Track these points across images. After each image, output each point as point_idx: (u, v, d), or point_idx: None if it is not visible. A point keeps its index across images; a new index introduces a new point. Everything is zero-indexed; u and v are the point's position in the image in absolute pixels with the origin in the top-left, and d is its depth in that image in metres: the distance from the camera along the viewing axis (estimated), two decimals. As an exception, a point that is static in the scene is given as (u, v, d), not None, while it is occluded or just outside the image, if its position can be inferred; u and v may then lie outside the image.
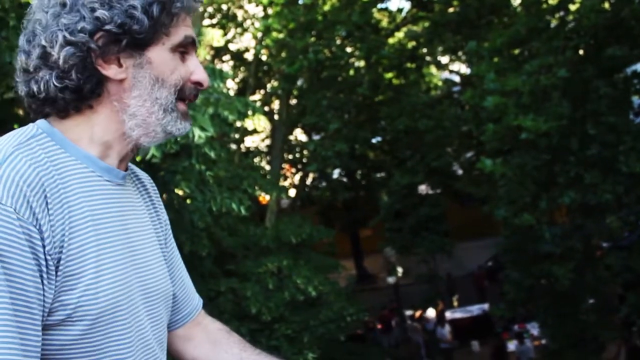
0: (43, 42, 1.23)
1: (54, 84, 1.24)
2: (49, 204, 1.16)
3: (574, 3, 12.18)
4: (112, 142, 1.31)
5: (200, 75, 1.35)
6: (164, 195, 8.43)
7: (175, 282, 1.55)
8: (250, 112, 8.88)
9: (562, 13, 12.43)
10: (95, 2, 1.22)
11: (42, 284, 1.12)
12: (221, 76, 7.74)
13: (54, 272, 1.15)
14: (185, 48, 1.32)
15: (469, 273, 24.21)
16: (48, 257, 1.13)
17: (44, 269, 1.13)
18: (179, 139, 6.43)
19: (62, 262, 1.16)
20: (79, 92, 1.26)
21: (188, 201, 8.74)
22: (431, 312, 20.33)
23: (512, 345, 17.59)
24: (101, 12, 1.22)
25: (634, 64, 11.82)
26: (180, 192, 8.45)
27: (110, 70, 1.26)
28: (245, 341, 1.62)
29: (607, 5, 11.56)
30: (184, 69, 1.32)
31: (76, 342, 1.18)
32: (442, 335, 18.12)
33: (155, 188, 1.56)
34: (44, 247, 1.13)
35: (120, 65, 1.27)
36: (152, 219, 1.48)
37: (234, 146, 18.20)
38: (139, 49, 1.26)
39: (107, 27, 1.22)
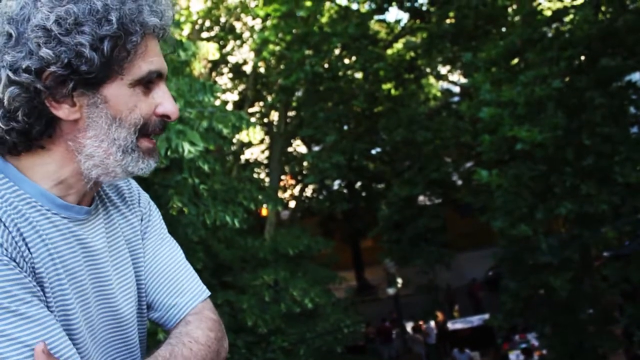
0: None
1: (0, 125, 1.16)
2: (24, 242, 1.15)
3: (568, 14, 12.23)
4: (69, 181, 1.23)
5: (168, 108, 1.24)
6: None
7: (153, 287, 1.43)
8: (244, 126, 8.89)
9: (556, 24, 12.48)
10: (41, 37, 1.12)
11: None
12: (212, 90, 7.76)
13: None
14: (150, 81, 1.22)
15: (468, 283, 24.20)
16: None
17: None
18: (169, 154, 6.46)
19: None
20: (26, 134, 1.18)
21: (185, 211, 8.74)
22: (432, 323, 20.30)
23: (512, 356, 17.52)
24: (46, 51, 1.12)
25: (628, 74, 11.83)
26: (174, 206, 8.46)
27: (62, 111, 1.17)
28: None
29: (600, 16, 11.59)
30: (146, 104, 1.22)
31: None
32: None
33: (129, 181, 1.47)
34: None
35: (73, 105, 1.17)
36: (132, 229, 1.41)
37: (232, 159, 18.24)
38: (93, 87, 1.16)
39: (53, 67, 1.12)
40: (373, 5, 15.92)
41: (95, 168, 1.21)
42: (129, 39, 1.16)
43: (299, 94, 17.49)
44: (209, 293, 1.47)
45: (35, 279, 1.14)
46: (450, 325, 20.26)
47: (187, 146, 6.44)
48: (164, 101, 1.23)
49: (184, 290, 1.43)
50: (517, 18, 14.22)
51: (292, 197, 22.81)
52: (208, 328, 1.37)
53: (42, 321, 1.11)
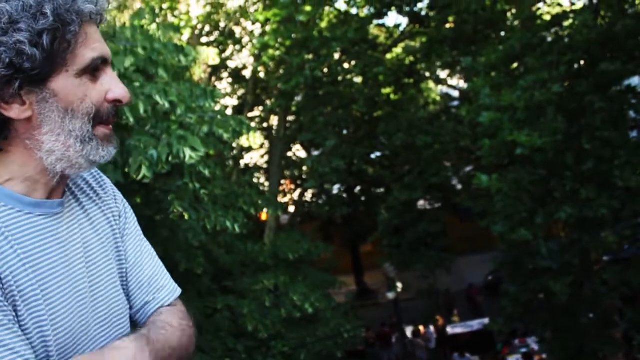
0: None
1: None
2: None
3: (567, 19, 12.25)
4: (35, 177, 1.22)
5: (117, 93, 1.23)
6: (158, 216, 8.48)
7: (132, 284, 1.45)
8: (244, 130, 8.89)
9: (556, 29, 12.50)
10: None
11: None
12: (213, 96, 7.77)
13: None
14: (96, 68, 1.21)
15: (467, 288, 24.20)
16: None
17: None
18: (170, 159, 6.47)
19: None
20: None
21: (185, 215, 8.74)
22: (432, 328, 20.28)
23: (512, 360, 17.50)
24: None
25: (627, 79, 11.84)
26: (175, 211, 8.47)
27: (13, 111, 1.16)
28: None
29: (599, 21, 11.61)
30: (96, 91, 1.21)
31: None
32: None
33: (102, 179, 1.46)
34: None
35: (23, 103, 1.16)
36: (109, 224, 1.41)
37: (231, 163, 18.24)
38: (39, 83, 1.15)
39: None
40: (372, 10, 15.93)
41: (59, 162, 1.20)
42: (67, 29, 1.15)
43: (298, 98, 17.51)
44: (181, 290, 1.50)
45: (3, 291, 1.12)
46: (450, 330, 20.23)
47: (188, 152, 6.45)
48: (112, 86, 1.22)
49: (160, 287, 1.45)
50: (516, 23, 14.26)
51: (292, 201, 22.82)
52: (180, 317, 1.41)
53: (8, 343, 1.09)
